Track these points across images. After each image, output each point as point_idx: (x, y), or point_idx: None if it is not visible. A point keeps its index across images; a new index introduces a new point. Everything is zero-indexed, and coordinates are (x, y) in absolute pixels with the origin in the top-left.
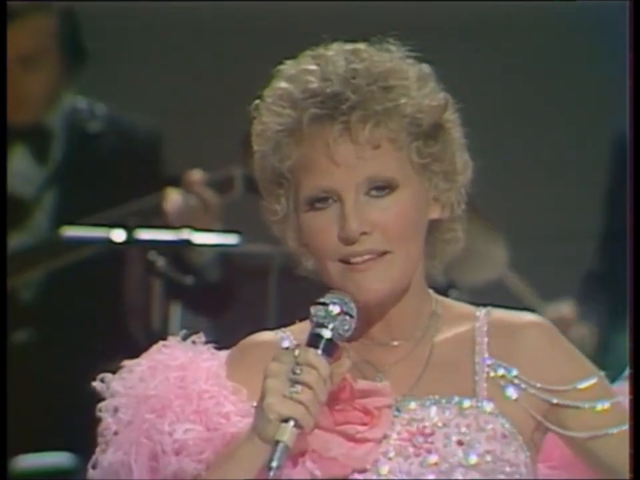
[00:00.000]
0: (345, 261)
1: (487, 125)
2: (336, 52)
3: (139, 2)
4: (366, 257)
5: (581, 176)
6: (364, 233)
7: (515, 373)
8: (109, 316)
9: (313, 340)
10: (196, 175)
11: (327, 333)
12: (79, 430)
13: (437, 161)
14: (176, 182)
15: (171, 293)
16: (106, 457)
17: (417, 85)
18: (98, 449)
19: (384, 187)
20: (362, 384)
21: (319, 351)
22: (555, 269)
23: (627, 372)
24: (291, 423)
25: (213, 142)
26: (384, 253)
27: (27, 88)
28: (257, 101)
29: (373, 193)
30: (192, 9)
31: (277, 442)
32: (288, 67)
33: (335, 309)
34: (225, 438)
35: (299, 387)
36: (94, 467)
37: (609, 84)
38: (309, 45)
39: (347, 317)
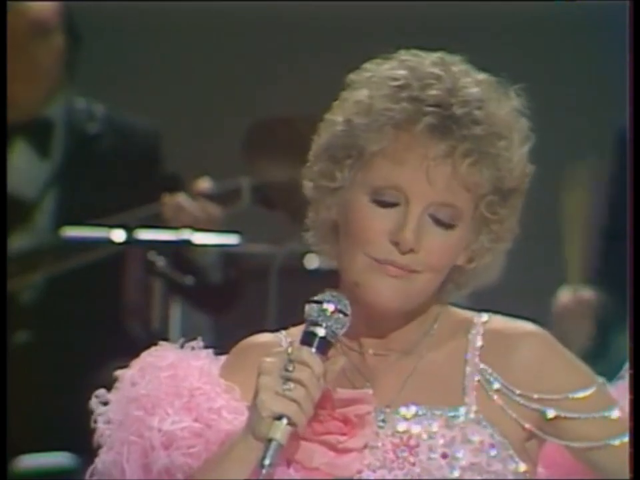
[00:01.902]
0: (378, 260)
1: None
2: (463, 71)
3: (143, 2)
4: (399, 269)
5: (580, 175)
6: (412, 250)
7: (505, 383)
8: (109, 316)
9: (307, 338)
10: (202, 185)
11: (320, 331)
12: (78, 430)
13: (499, 223)
14: (177, 183)
15: (171, 292)
16: (99, 457)
17: (519, 144)
18: (97, 460)
19: (446, 220)
20: (341, 393)
21: (313, 349)
22: (554, 268)
23: (624, 371)
24: (284, 421)
25: (215, 142)
26: (413, 272)
27: (37, 57)
28: (363, 73)
29: (438, 217)
30: (200, 10)
31: (270, 440)
32: (409, 57)
33: (330, 307)
34: (217, 434)
35: (291, 385)
36: (92, 475)
37: (608, 84)
38: (320, 46)
39: (341, 316)
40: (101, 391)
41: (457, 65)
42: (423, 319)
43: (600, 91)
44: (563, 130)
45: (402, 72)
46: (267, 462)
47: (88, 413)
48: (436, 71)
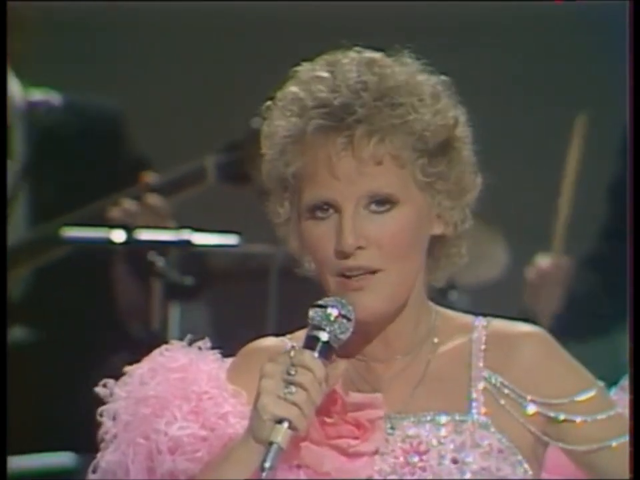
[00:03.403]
0: (342, 275)
1: (485, 125)
2: (351, 60)
3: None
4: (360, 273)
5: (580, 175)
6: (359, 248)
7: (512, 387)
8: (109, 316)
9: (310, 342)
10: (147, 179)
11: (324, 336)
12: (79, 430)
13: (442, 180)
14: (144, 162)
15: (170, 293)
16: (104, 457)
17: (429, 101)
18: (99, 454)
19: (384, 202)
20: (353, 396)
21: (315, 353)
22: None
23: (624, 382)
24: (285, 424)
25: (181, 122)
26: (377, 271)
27: None
28: (269, 102)
29: (373, 207)
30: None
31: (271, 443)
32: (303, 70)
33: (333, 312)
34: (221, 439)
35: (293, 388)
36: (94, 471)
37: (608, 84)
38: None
39: (345, 320)
40: (109, 381)
41: (349, 58)
42: (420, 320)
43: (600, 90)
44: (563, 130)
45: (294, 88)
46: (267, 465)
47: (88, 412)
48: (321, 73)
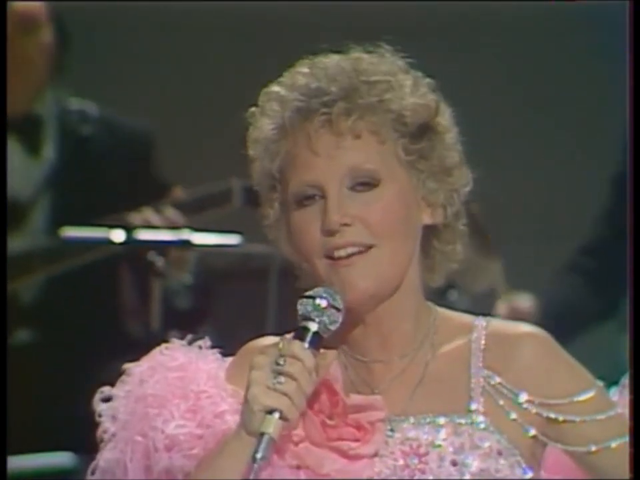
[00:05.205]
0: (330, 257)
1: (485, 125)
2: (331, 58)
3: (140, 2)
4: (349, 249)
5: (579, 176)
6: (345, 225)
7: (511, 388)
8: (108, 316)
9: (300, 333)
10: (175, 194)
11: (313, 326)
12: (78, 430)
13: (424, 159)
14: (168, 185)
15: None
16: (102, 454)
17: (408, 87)
18: (99, 455)
19: (368, 182)
20: (354, 399)
21: (305, 344)
22: (553, 268)
23: (625, 380)
24: (276, 415)
25: (210, 144)
26: (368, 247)
27: (26, 53)
28: (252, 108)
29: (358, 187)
30: (196, 9)
31: (262, 434)
32: (285, 75)
33: (323, 303)
34: (216, 436)
35: (282, 378)
36: (93, 473)
37: (609, 84)
38: (311, 48)
39: (334, 311)
40: (105, 388)
41: (328, 57)
42: (418, 319)
43: (600, 91)
44: (562, 130)
45: (274, 88)
46: (258, 455)
47: (88, 413)
48: (300, 69)
